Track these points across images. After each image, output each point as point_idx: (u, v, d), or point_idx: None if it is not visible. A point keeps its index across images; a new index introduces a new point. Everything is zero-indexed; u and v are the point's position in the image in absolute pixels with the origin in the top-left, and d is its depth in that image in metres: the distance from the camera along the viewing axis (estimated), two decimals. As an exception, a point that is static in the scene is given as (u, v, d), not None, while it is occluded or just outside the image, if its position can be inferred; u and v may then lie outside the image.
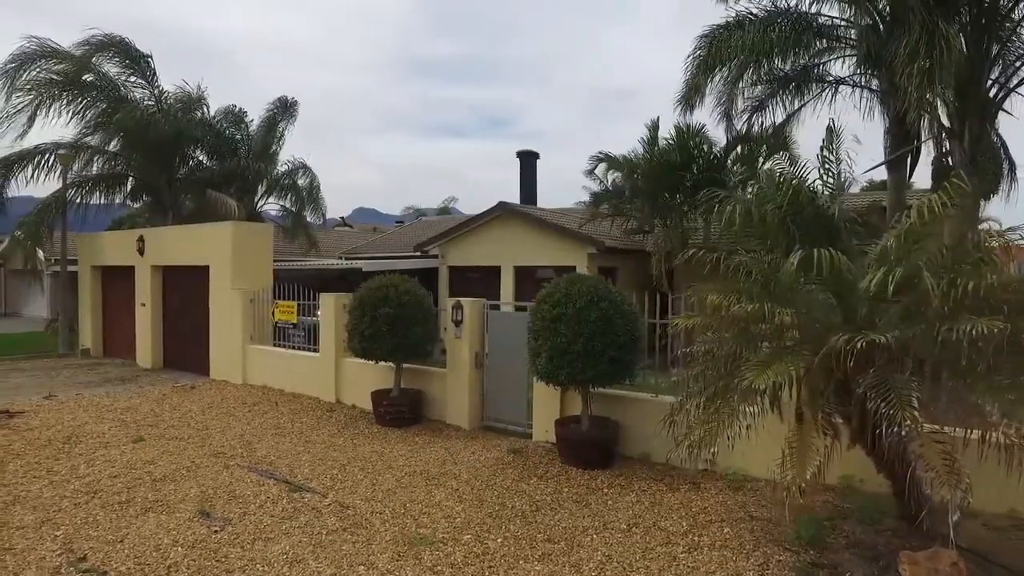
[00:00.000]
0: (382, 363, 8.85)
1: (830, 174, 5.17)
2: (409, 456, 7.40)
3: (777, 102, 14.13)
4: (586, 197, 35.44)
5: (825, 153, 5.22)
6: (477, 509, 5.79)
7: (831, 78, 13.01)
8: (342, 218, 42.35)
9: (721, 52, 11.70)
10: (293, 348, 11.40)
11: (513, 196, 21.51)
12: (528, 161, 21.77)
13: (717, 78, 12.34)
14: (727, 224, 4.70)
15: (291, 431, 8.46)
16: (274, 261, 13.14)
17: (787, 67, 12.97)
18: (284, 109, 20.12)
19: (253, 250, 12.47)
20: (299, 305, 11.27)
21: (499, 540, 5.13)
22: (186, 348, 13.42)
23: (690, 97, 12.50)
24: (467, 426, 8.68)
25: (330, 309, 10.32)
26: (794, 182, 4.84)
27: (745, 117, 14.43)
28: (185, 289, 13.48)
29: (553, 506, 5.92)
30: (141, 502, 5.76)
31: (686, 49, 12.45)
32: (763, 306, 4.24)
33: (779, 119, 14.46)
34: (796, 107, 14.33)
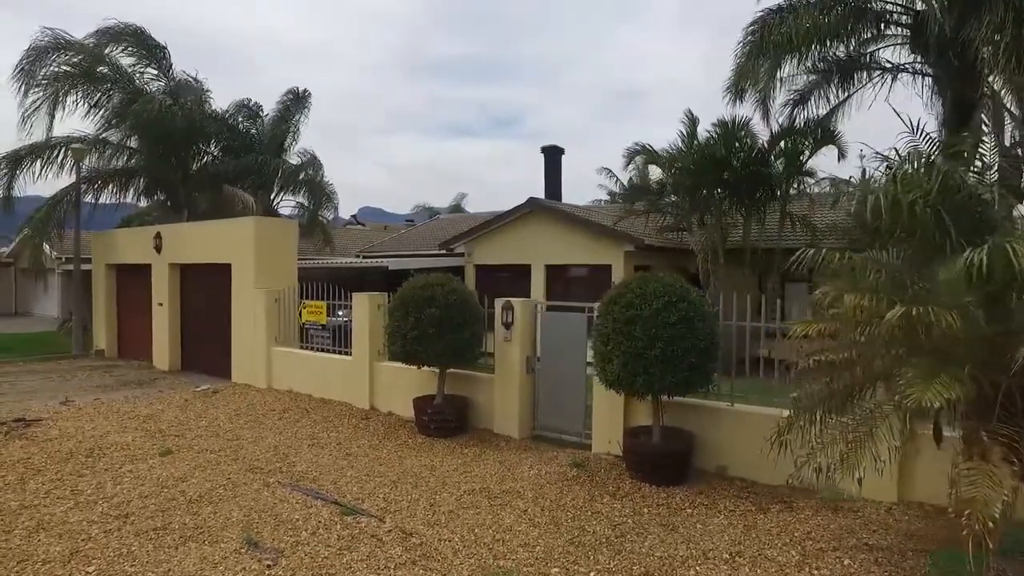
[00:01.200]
0: (424, 368, 8.22)
1: (981, 157, 4.51)
2: (463, 471, 6.76)
3: (821, 94, 13.47)
4: (602, 196, 34.82)
5: (983, 127, 4.54)
6: (555, 535, 5.15)
7: (887, 65, 12.32)
8: (354, 216, 41.78)
9: (774, 37, 11.03)
10: (321, 351, 10.78)
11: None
12: (553, 157, 21.12)
13: (765, 67, 11.66)
14: (873, 214, 4.01)
15: (328, 442, 7.83)
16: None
17: (840, 53, 12.30)
18: (297, 101, 19.49)
19: (277, 247, 11.85)
20: (328, 305, 10.65)
21: (591, 575, 4.49)
22: (206, 350, 12.83)
23: (740, 84, 11.83)
24: (517, 435, 8.05)
25: (364, 309, 9.70)
26: (942, 165, 4.16)
27: (786, 110, 13.78)
28: (205, 288, 12.88)
29: (638, 530, 5.28)
30: (179, 528, 5.13)
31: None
32: (925, 309, 3.58)
33: (822, 112, 13.82)
34: (842, 98, 13.66)
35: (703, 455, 6.72)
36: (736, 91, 12.13)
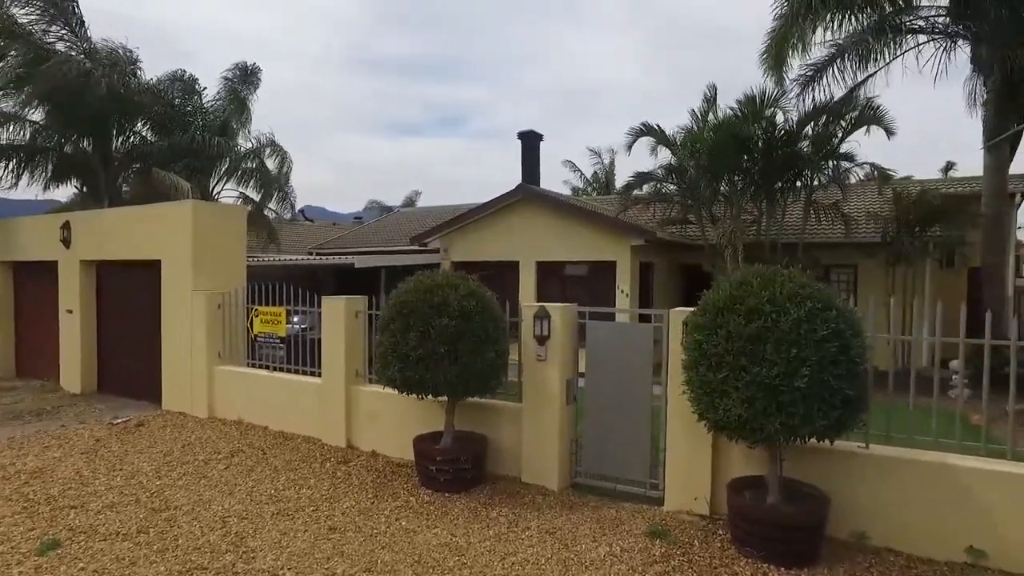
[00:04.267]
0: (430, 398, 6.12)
1: None
2: (502, 553, 4.71)
3: (855, 65, 11.93)
4: (565, 192, 33.00)
5: None
6: None
7: (935, 28, 10.86)
8: (301, 211, 38.73)
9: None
10: (280, 369, 8.51)
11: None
12: (530, 143, 19.03)
13: (811, 28, 9.99)
14: None
15: (300, 507, 5.63)
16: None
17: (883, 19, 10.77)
18: (244, 77, 16.92)
19: (221, 239, 9.47)
20: (287, 312, 8.38)
21: None
22: (129, 368, 10.31)
23: (780, 51, 10.12)
24: (556, 486, 6.04)
25: (338, 318, 7.50)
26: None
27: (815, 84, 12.20)
28: (127, 291, 10.36)
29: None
30: None
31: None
32: None
33: (849, 86, 12.31)
34: (871, 71, 12.18)
35: (835, 521, 4.87)
36: (776, 59, 10.42)
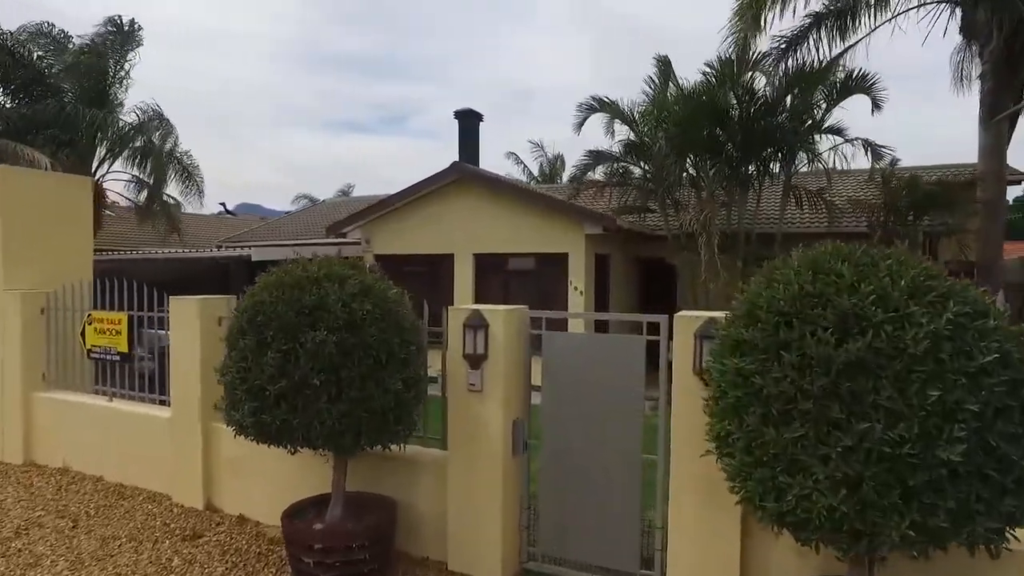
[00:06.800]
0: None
1: None
2: None
3: (842, 25, 10.42)
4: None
5: None
6: None
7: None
8: (222, 204, 35.48)
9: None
10: (132, 397, 6.20)
11: None
12: (469, 123, 16.91)
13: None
14: None
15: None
16: (110, 250, 7.82)
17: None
18: (120, 36, 14.11)
19: (49, 219, 7.03)
20: (134, 319, 6.05)
21: None
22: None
23: (757, 9, 8.43)
24: (500, 574, 4.05)
25: (191, 325, 5.29)
26: None
27: (797, 49, 10.64)
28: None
29: None
30: None
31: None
32: None
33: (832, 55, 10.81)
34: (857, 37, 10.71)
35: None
36: (752, 20, 8.73)
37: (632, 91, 11.49)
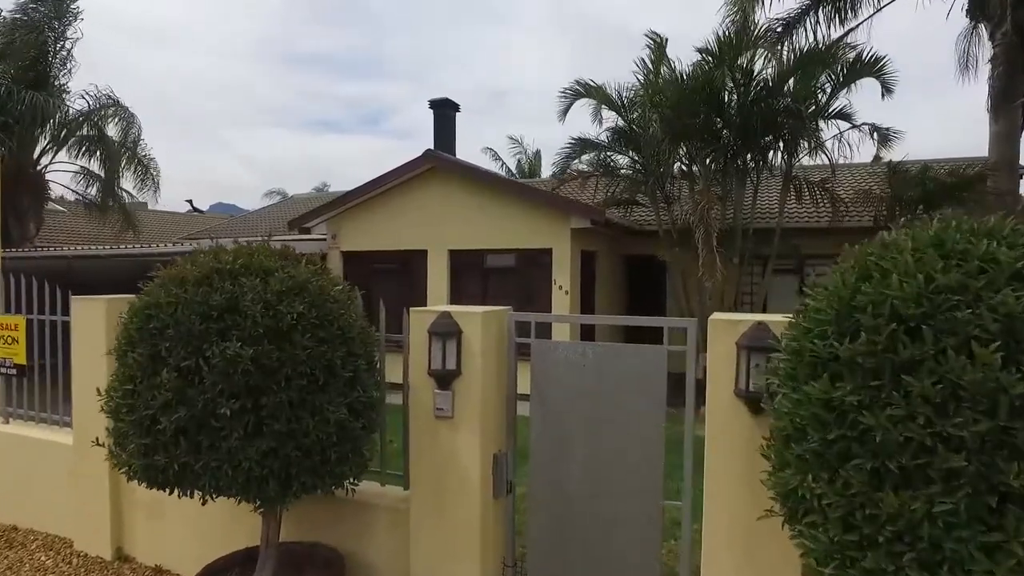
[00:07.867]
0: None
1: None
2: None
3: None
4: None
5: None
6: None
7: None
8: (189, 201, 34.07)
9: None
10: (34, 419, 5.16)
11: None
12: (444, 113, 15.98)
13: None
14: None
15: None
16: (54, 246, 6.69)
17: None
18: (54, 5, 12.81)
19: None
20: (34, 324, 5.02)
21: None
22: None
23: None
24: (476, 659, 3.13)
25: (97, 331, 4.29)
26: None
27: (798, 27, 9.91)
28: None
29: None
30: None
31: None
32: None
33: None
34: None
35: None
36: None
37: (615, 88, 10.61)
